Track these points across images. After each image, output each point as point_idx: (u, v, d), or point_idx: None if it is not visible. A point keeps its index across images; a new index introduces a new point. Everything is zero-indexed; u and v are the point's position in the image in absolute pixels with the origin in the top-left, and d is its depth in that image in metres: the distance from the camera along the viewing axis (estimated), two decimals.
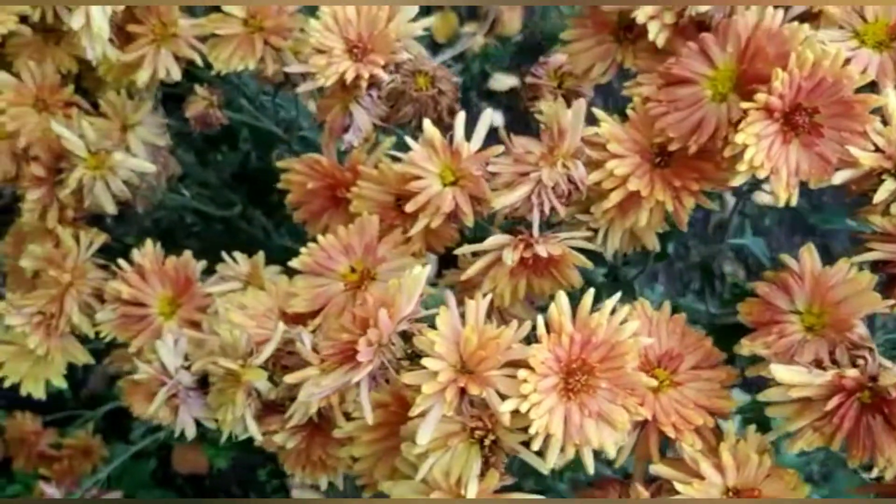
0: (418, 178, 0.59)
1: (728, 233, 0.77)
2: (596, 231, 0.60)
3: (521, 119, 1.34)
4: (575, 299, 0.50)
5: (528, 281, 0.60)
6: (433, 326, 0.50)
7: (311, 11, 0.73)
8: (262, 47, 0.70)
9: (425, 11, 0.73)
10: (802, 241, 1.36)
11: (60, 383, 0.84)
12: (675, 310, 0.58)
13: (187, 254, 0.74)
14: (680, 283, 1.30)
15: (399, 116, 0.67)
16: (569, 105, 0.72)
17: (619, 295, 0.51)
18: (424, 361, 0.49)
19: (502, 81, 1.60)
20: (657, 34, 0.60)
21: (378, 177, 0.65)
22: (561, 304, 0.50)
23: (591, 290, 0.50)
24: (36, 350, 0.76)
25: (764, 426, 0.55)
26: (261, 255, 0.72)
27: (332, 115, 0.66)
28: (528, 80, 0.72)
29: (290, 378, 0.58)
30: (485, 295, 0.58)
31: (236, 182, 0.95)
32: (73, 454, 1.24)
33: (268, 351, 0.60)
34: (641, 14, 0.60)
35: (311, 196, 0.69)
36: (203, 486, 1.32)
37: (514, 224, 0.61)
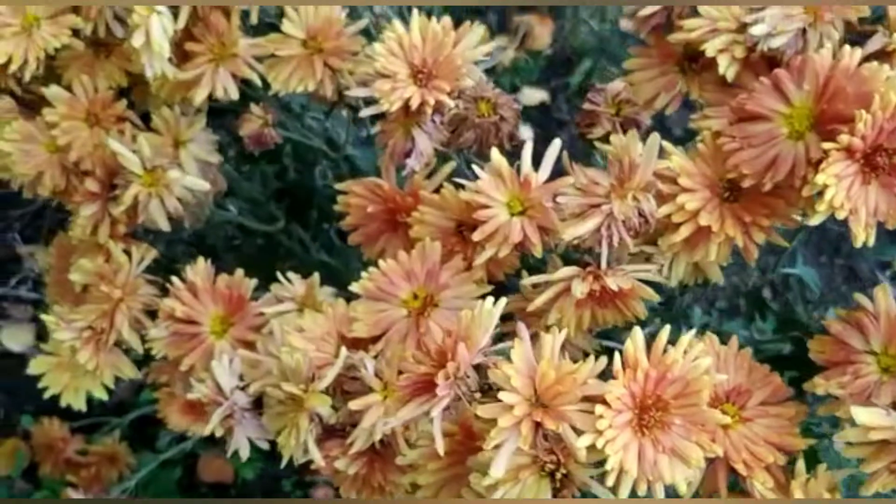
0: (485, 206, 0.59)
1: (780, 261, 0.77)
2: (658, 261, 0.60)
3: (549, 134, 1.35)
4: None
5: (592, 311, 0.60)
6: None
7: (369, 36, 0.73)
8: (321, 69, 0.70)
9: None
10: (829, 261, 1.36)
11: (102, 395, 0.85)
12: (719, 335, 0.58)
13: (239, 272, 0.74)
14: (707, 303, 1.30)
15: (460, 142, 0.67)
16: (625, 132, 0.72)
17: (694, 331, 0.51)
18: (501, 395, 0.49)
19: (532, 96, 1.60)
20: (727, 68, 0.60)
21: (440, 202, 0.64)
22: (637, 341, 0.50)
23: (667, 327, 0.50)
24: (86, 365, 0.76)
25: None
26: (316, 277, 0.71)
27: (395, 140, 0.66)
28: (586, 106, 0.72)
29: (354, 405, 0.58)
30: (549, 327, 0.58)
31: (278, 197, 0.95)
32: (100, 461, 1.24)
33: (331, 376, 0.60)
34: (710, 47, 0.60)
35: (368, 219, 0.69)
36: (228, 496, 1.31)
37: (577, 254, 0.61)
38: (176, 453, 1.28)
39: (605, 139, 0.71)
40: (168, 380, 0.86)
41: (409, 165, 0.65)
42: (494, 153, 0.60)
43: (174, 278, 0.73)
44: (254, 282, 0.75)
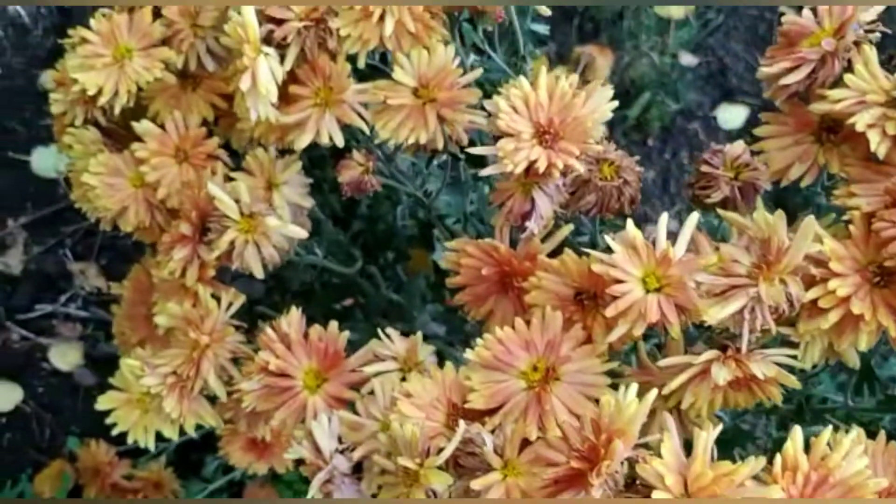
0: (619, 281, 0.56)
1: None
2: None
3: None
4: None
5: (724, 394, 0.57)
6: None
7: (482, 88, 0.70)
8: (434, 121, 0.67)
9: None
10: None
11: (173, 435, 0.82)
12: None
13: (333, 325, 0.72)
14: None
15: (580, 205, 0.64)
16: (742, 195, 0.70)
17: (855, 432, 0.48)
18: (654, 494, 0.46)
19: None
20: (878, 144, 0.57)
21: (559, 268, 0.62)
22: (797, 441, 0.47)
23: (830, 427, 0.47)
24: (170, 413, 0.73)
25: None
26: (419, 336, 0.69)
27: (513, 201, 0.63)
28: (703, 168, 0.69)
29: (476, 484, 0.56)
30: (676, 407, 0.56)
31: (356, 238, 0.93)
32: (145, 486, 1.22)
33: (448, 451, 0.57)
34: (860, 121, 0.57)
35: (477, 280, 0.66)
36: None
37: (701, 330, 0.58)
38: (223, 483, 1.26)
39: (723, 204, 0.69)
40: (232, 416, 0.83)
41: (528, 228, 0.62)
42: (629, 225, 0.57)
43: (268, 329, 0.70)
44: (345, 335, 0.72)
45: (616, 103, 0.65)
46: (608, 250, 0.58)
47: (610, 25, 1.64)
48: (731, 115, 1.66)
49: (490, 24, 0.72)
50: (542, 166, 0.60)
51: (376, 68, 0.73)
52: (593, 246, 0.74)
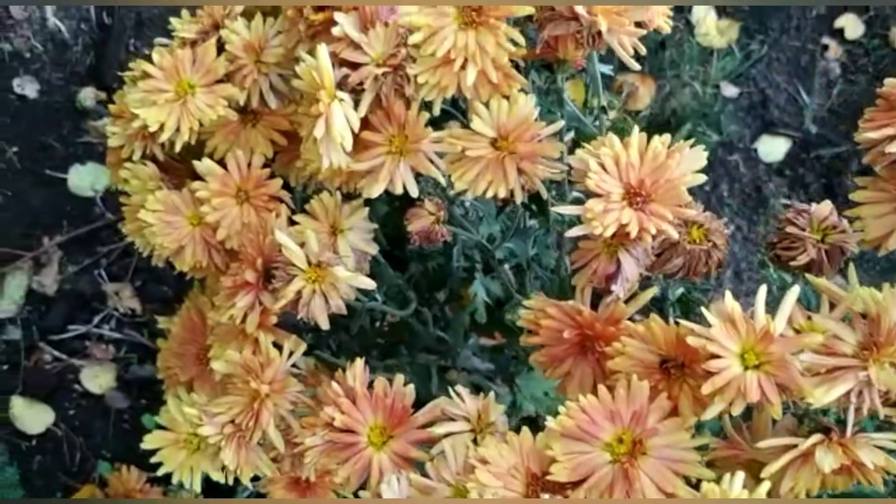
0: (716, 356, 0.53)
1: None
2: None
3: None
4: None
5: (824, 477, 0.55)
6: None
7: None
8: (514, 175, 0.65)
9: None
10: None
11: (219, 478, 0.80)
12: None
13: (400, 380, 0.69)
14: None
15: (667, 268, 0.62)
16: (829, 259, 0.67)
17: None
18: None
19: None
20: None
21: (645, 334, 0.59)
22: None
23: None
24: (228, 465, 0.71)
25: None
26: (491, 396, 0.66)
27: (598, 262, 0.61)
28: (788, 228, 0.67)
29: None
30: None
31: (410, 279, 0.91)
32: None
33: None
34: None
35: (556, 340, 0.64)
36: None
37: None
38: None
39: (808, 267, 0.66)
40: (276, 456, 0.81)
41: (614, 291, 0.60)
42: (728, 297, 0.54)
43: (333, 384, 0.68)
44: (411, 388, 0.70)
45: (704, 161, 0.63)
46: (700, 320, 0.55)
47: (652, 54, 1.62)
48: (772, 148, 1.63)
49: (570, 71, 0.70)
50: (633, 230, 0.58)
51: (446, 111, 0.71)
52: (663, 299, 0.72)
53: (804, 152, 1.62)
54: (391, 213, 0.89)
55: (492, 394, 0.66)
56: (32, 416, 1.28)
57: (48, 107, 1.41)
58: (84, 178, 1.38)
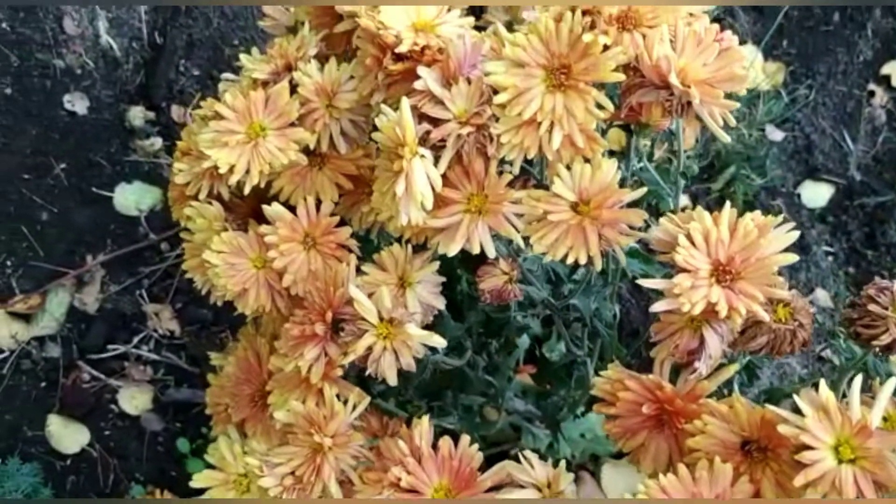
0: (809, 447, 0.52)
1: None
2: None
3: None
4: None
5: None
6: None
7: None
8: (596, 242, 0.64)
9: None
10: None
11: None
12: None
13: (465, 440, 0.68)
14: None
15: (751, 346, 0.60)
16: None
17: None
18: None
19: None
20: None
21: (728, 415, 0.58)
22: None
23: None
24: None
25: None
26: (562, 466, 0.65)
27: (680, 337, 0.60)
28: (870, 306, 0.66)
29: None
30: None
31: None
32: None
33: None
34: None
35: (632, 413, 0.63)
36: None
37: None
38: None
39: (889, 347, 0.65)
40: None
41: (697, 369, 0.59)
42: (822, 387, 0.53)
43: (400, 443, 0.67)
44: (477, 451, 0.68)
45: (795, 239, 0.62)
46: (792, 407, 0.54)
47: None
48: (816, 194, 1.62)
49: (652, 134, 0.69)
50: (722, 310, 0.57)
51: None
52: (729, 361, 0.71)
53: (847, 199, 1.61)
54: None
55: (562, 463, 0.65)
56: (68, 436, 1.28)
57: (97, 124, 1.42)
58: (129, 198, 1.38)
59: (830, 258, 1.55)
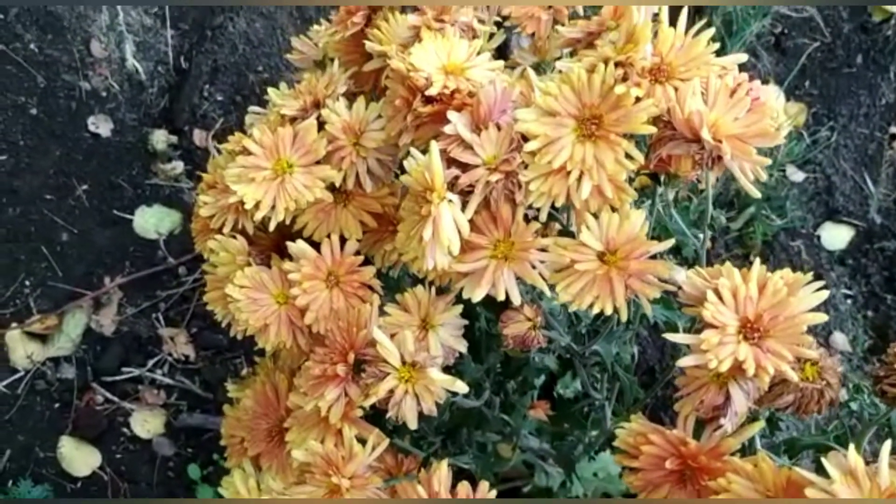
0: None
1: None
2: None
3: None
4: None
5: None
6: None
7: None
8: (622, 293, 0.63)
9: None
10: None
11: None
12: None
13: (485, 487, 0.68)
14: None
15: (777, 403, 0.60)
16: None
17: None
18: None
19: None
20: None
21: (752, 474, 0.57)
22: None
23: None
24: None
25: None
26: None
27: (706, 392, 0.59)
28: None
29: None
30: None
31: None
32: None
33: None
34: None
35: (655, 467, 0.62)
36: None
37: None
38: None
39: None
40: None
41: (722, 426, 0.58)
42: (851, 452, 0.53)
43: (418, 487, 0.67)
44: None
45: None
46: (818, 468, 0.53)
47: None
48: (835, 236, 1.61)
49: (681, 186, 0.69)
50: (750, 369, 0.56)
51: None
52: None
53: (867, 242, 1.60)
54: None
55: None
56: (80, 458, 1.27)
57: (120, 147, 1.42)
58: (149, 220, 1.39)
59: (849, 301, 1.54)
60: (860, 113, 1.68)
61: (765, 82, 1.68)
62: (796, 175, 1.64)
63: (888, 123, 1.67)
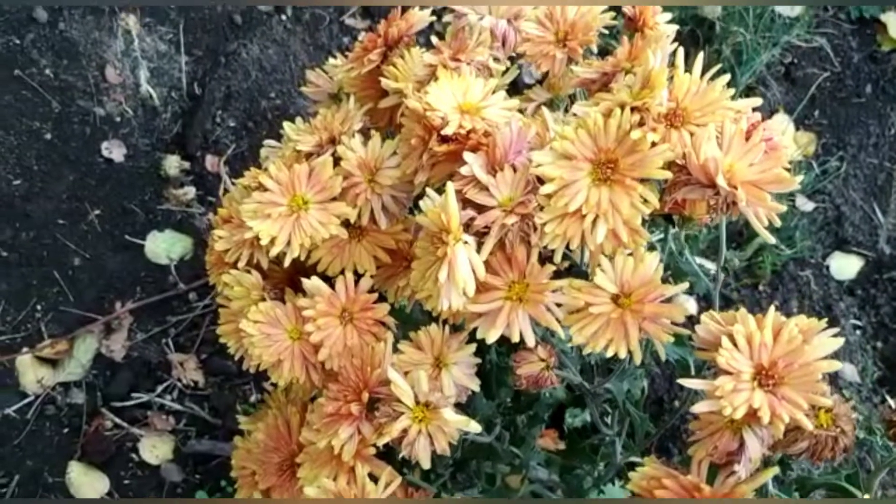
0: None
1: None
2: None
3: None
4: None
5: None
6: None
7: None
8: (636, 336, 0.64)
9: None
10: None
11: None
12: None
13: None
14: None
15: (791, 450, 0.60)
16: None
17: None
18: None
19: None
20: None
21: None
22: None
23: None
24: None
25: None
26: None
27: (720, 437, 0.59)
28: None
29: None
30: None
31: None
32: None
33: None
34: None
35: None
36: None
37: None
38: None
39: None
40: None
41: (736, 472, 0.59)
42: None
43: None
44: None
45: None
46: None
47: None
48: (845, 266, 1.61)
49: (696, 228, 0.69)
50: (765, 417, 0.56)
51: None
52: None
53: (877, 273, 1.60)
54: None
55: None
56: (88, 484, 1.27)
57: (133, 172, 1.43)
58: (160, 246, 1.40)
59: (858, 332, 1.54)
60: (869, 143, 1.69)
61: (774, 112, 1.69)
62: (806, 205, 1.64)
63: None
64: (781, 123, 1.69)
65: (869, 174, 1.68)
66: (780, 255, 1.58)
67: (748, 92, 1.68)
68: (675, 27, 0.80)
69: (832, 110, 1.70)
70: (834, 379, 1.47)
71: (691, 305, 1.48)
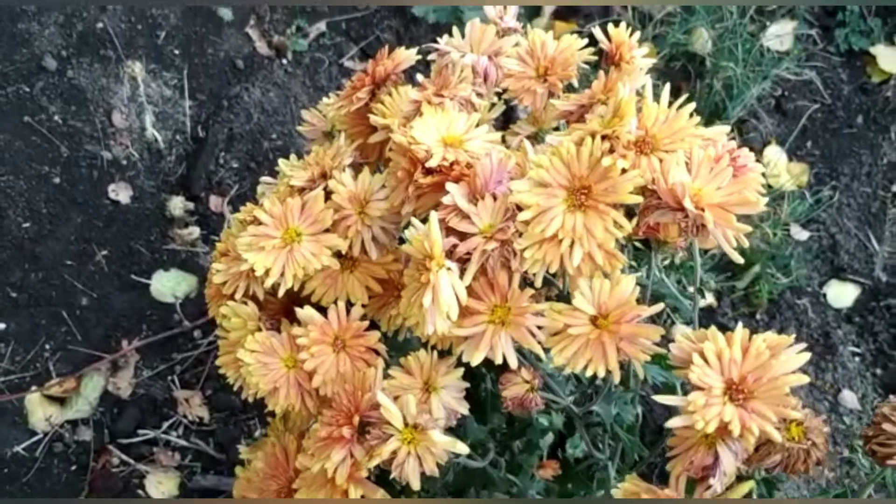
0: None
1: None
2: None
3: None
4: None
5: None
6: None
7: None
8: (615, 356, 0.66)
9: None
10: None
11: None
12: None
13: None
14: None
15: (765, 463, 0.62)
16: None
17: None
18: None
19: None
20: None
21: None
22: None
23: None
24: None
25: None
26: None
27: (695, 453, 0.61)
28: (885, 425, 0.67)
29: None
30: None
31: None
32: None
33: None
34: None
35: None
36: None
37: None
38: None
39: None
40: None
41: (712, 486, 0.60)
42: None
43: None
44: None
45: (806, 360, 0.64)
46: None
47: None
48: (841, 294, 1.63)
49: (670, 252, 0.72)
50: (735, 429, 0.58)
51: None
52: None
53: (873, 300, 1.61)
54: None
55: None
56: None
57: (139, 213, 1.47)
58: (166, 285, 1.43)
59: (857, 359, 1.55)
60: (862, 172, 1.71)
61: (766, 143, 1.72)
62: (800, 234, 1.66)
63: (890, 182, 1.70)
64: (774, 154, 1.72)
65: (862, 203, 1.70)
66: (776, 284, 1.60)
67: (740, 124, 1.71)
68: (653, 61, 0.84)
69: (824, 141, 1.73)
70: (835, 406, 1.48)
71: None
